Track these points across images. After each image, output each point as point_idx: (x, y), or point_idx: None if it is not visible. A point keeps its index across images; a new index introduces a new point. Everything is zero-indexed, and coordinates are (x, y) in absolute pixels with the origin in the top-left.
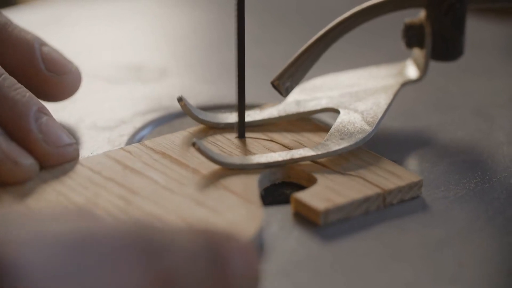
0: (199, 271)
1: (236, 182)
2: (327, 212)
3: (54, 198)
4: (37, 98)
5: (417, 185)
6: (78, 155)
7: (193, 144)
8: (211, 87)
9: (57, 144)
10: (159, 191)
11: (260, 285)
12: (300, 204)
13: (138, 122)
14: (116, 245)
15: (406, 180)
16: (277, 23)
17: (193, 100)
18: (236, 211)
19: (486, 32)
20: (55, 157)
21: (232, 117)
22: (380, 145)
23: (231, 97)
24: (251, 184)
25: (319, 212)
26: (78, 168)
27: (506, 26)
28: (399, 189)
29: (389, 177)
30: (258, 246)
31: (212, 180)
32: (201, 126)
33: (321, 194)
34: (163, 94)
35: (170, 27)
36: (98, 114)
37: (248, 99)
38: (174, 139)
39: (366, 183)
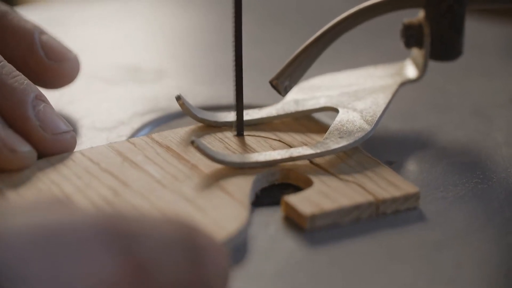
0: (170, 262)
1: (231, 181)
2: (313, 217)
3: (47, 187)
4: (35, 85)
5: (414, 196)
6: (75, 142)
7: (192, 143)
8: (209, 88)
9: (54, 131)
10: (151, 185)
11: (228, 285)
12: (289, 208)
13: (136, 123)
14: (87, 234)
15: (402, 190)
16: (275, 23)
17: (191, 101)
18: (222, 210)
19: (485, 32)
20: (52, 144)
21: (231, 116)
22: (379, 145)
23: (229, 97)
24: (244, 184)
25: (305, 216)
26: (78, 157)
27: (506, 27)
28: (394, 199)
29: (385, 186)
30: (240, 246)
31: (208, 177)
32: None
33: (312, 199)
34: (161, 95)
35: (168, 28)
36: (97, 115)
37: (246, 99)
38: (183, 134)
39: (361, 190)
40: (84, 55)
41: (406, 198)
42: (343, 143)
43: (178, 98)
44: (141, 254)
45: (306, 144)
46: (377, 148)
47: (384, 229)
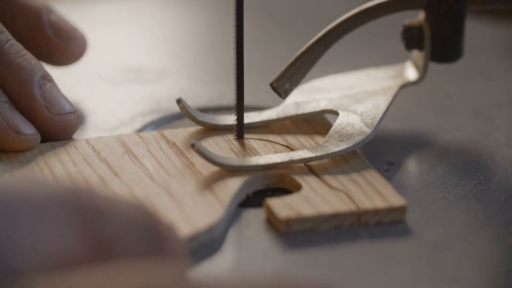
0: (130, 243)
1: (220, 181)
2: (289, 221)
3: (40, 170)
4: (42, 65)
5: (399, 210)
6: (79, 123)
7: (192, 146)
8: (210, 88)
9: (59, 112)
10: (141, 178)
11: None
12: (269, 210)
13: (138, 124)
14: (53, 201)
15: (387, 202)
16: (275, 25)
17: (191, 101)
18: (199, 207)
19: (485, 33)
20: (56, 124)
21: (231, 119)
22: (379, 146)
23: (230, 98)
24: (231, 185)
25: (280, 220)
26: (82, 145)
27: (505, 28)
28: (377, 211)
29: (372, 196)
30: (217, 244)
31: (200, 175)
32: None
33: (292, 203)
34: (162, 95)
35: (169, 29)
36: (98, 115)
37: (246, 101)
38: (193, 132)
39: (346, 198)
40: (85, 56)
41: (390, 210)
42: (343, 146)
43: (179, 101)
44: (103, 229)
45: (307, 147)
46: (377, 149)
47: (383, 229)
